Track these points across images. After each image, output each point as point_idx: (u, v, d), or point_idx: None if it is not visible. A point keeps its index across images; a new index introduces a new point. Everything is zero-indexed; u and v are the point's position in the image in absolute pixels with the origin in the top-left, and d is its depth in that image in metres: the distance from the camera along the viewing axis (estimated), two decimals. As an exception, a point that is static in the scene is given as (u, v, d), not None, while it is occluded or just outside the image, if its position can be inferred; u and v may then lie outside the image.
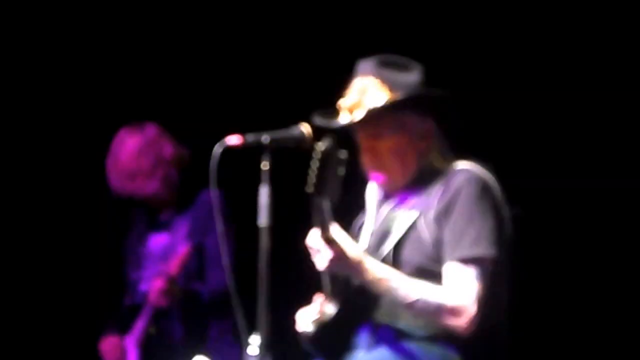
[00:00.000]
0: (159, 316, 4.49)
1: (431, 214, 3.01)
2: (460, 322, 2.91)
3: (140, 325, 4.52)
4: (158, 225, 4.66)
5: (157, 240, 4.66)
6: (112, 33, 5.38)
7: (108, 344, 4.60)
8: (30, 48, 5.44)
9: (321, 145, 2.75)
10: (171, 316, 4.49)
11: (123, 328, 4.57)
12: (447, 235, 2.97)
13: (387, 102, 3.05)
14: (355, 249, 2.91)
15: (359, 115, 3.06)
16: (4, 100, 5.49)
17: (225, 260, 2.95)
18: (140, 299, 4.57)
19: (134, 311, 4.56)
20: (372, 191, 3.21)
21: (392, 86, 3.08)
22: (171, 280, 4.39)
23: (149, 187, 4.58)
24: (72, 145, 5.47)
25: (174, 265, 4.43)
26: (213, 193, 2.86)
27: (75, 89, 5.47)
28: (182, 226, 4.57)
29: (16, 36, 5.43)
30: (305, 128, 2.92)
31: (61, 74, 5.47)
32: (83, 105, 5.45)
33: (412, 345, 2.96)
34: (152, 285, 4.42)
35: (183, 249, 4.43)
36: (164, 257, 4.58)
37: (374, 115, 3.04)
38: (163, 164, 4.59)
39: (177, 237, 4.57)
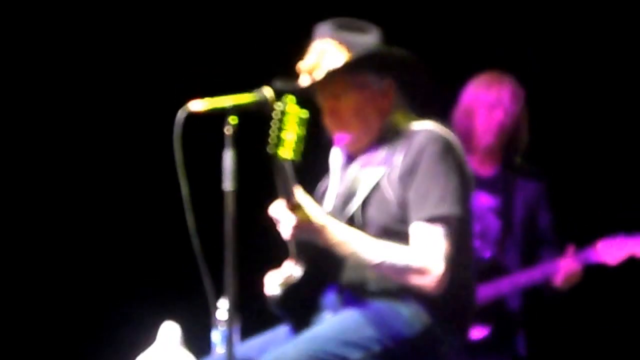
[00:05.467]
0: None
1: (395, 173, 3.00)
2: (428, 282, 2.91)
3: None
4: None
5: None
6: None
7: None
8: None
9: (280, 105, 2.74)
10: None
11: None
12: (412, 195, 2.96)
13: (345, 62, 3.05)
14: (319, 213, 2.91)
15: (318, 76, 3.06)
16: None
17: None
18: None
19: None
20: (336, 154, 3.20)
21: (349, 47, 3.08)
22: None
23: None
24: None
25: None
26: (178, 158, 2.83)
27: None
28: None
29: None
30: (267, 92, 2.89)
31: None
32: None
33: (380, 305, 2.96)
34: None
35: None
36: None
37: (333, 76, 3.04)
38: None
39: None
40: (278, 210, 2.90)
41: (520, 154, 4.34)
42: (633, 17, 4.81)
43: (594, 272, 4.26)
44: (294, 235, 2.89)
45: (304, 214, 2.87)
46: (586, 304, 4.79)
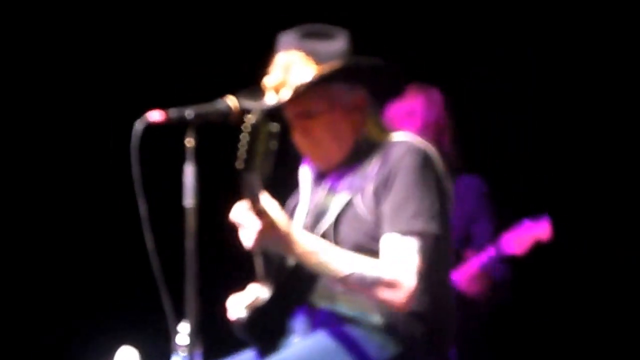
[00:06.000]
0: None
1: (369, 188, 2.90)
2: (398, 297, 2.79)
3: None
4: None
5: None
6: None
7: None
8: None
9: (250, 119, 2.64)
10: None
11: None
12: (386, 208, 2.86)
13: (314, 77, 2.93)
14: (284, 219, 2.78)
15: (286, 95, 2.94)
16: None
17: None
18: None
19: None
20: (306, 170, 3.10)
21: (317, 58, 2.96)
22: None
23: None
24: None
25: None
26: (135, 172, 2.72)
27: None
28: None
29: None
30: (231, 101, 2.79)
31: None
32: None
33: (352, 329, 2.86)
34: None
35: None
36: None
37: (302, 93, 2.92)
38: None
39: None
40: (241, 213, 2.75)
41: (455, 165, 4.36)
42: (633, 17, 4.91)
43: (524, 283, 4.41)
44: (257, 242, 2.76)
45: (269, 219, 2.73)
46: (514, 314, 4.90)
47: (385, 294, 2.79)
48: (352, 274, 2.78)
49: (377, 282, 2.78)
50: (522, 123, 4.94)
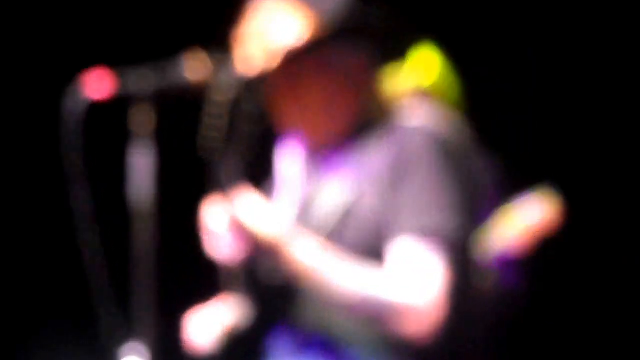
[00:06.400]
0: None
1: (375, 183, 2.53)
2: (419, 327, 2.44)
3: None
4: None
5: None
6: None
7: None
8: None
9: (222, 92, 2.41)
10: None
11: None
12: (397, 206, 2.48)
13: (311, 39, 2.57)
14: (269, 222, 2.47)
15: (271, 60, 2.58)
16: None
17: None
18: None
19: None
20: (288, 155, 2.76)
21: (308, 8, 2.59)
22: None
23: None
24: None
25: None
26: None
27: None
28: None
29: None
30: (192, 60, 2.47)
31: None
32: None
33: (349, 356, 2.53)
34: None
35: None
36: None
37: (293, 58, 2.59)
38: None
39: None
40: (215, 216, 2.47)
41: None
42: (633, 17, 4.93)
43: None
44: (236, 254, 2.48)
45: (249, 223, 2.46)
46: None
47: (402, 324, 2.46)
48: (358, 295, 2.48)
49: (390, 309, 2.46)
50: (522, 123, 5.01)
